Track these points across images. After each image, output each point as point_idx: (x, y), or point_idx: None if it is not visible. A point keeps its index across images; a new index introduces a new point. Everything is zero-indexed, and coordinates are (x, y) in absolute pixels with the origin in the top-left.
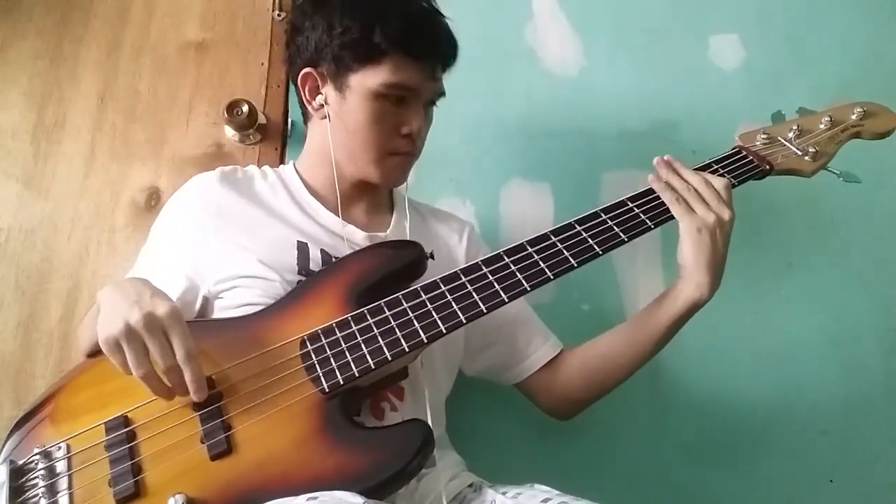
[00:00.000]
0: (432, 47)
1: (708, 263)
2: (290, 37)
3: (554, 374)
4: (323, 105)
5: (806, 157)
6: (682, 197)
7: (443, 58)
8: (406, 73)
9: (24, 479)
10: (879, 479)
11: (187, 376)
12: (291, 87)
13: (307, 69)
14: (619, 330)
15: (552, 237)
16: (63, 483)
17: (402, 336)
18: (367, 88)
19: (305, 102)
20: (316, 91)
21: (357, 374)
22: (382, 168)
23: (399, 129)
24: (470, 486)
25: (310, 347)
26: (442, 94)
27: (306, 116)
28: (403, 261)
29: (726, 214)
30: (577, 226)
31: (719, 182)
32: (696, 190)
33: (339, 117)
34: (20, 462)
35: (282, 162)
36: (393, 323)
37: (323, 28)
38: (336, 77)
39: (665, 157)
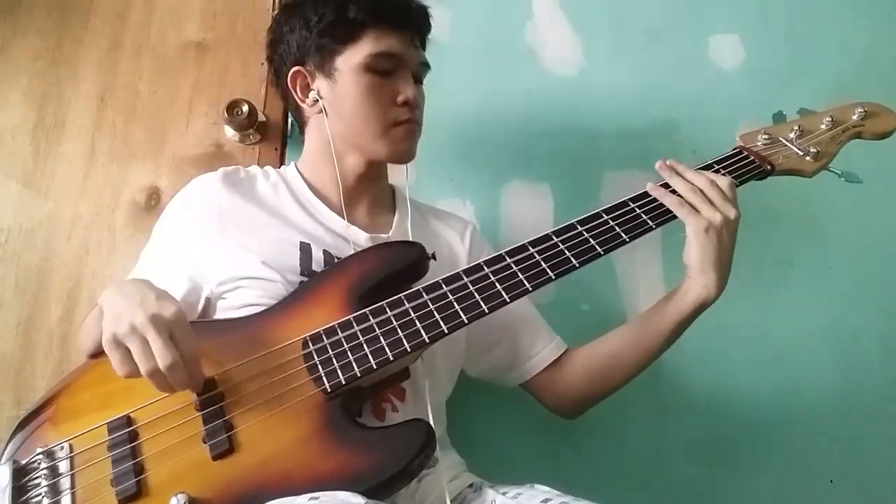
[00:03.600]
0: (406, 13)
1: (715, 263)
2: (271, 51)
3: (559, 373)
4: (317, 100)
5: (807, 158)
6: (686, 199)
7: (418, 24)
8: (387, 41)
9: (26, 479)
10: (879, 479)
11: (189, 375)
12: None
13: (295, 69)
14: (626, 330)
15: (554, 237)
16: (65, 483)
17: (405, 336)
18: (354, 65)
19: (299, 103)
20: (307, 88)
21: (359, 374)
22: (388, 141)
23: (394, 99)
24: (470, 486)
25: (312, 348)
26: (427, 65)
27: (302, 122)
28: (405, 261)
29: (732, 213)
30: (578, 226)
31: (724, 181)
32: (700, 190)
33: (334, 106)
34: (23, 462)
35: (282, 162)
36: (395, 323)
37: (300, 25)
38: (323, 65)
39: (667, 162)
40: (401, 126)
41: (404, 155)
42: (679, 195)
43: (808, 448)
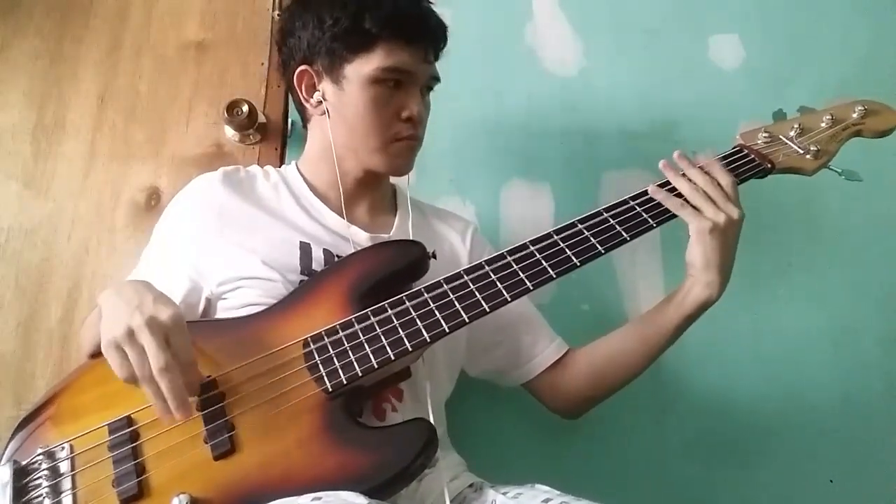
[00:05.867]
0: (422, 29)
1: (718, 263)
2: (282, 41)
3: (560, 374)
4: (321, 102)
5: (807, 156)
6: (688, 201)
7: (434, 40)
8: (399, 56)
9: (27, 480)
10: (879, 479)
11: (185, 379)
12: None
13: (302, 67)
14: (627, 330)
15: (555, 236)
16: (66, 483)
17: (405, 336)
18: (362, 76)
19: (303, 101)
20: (312, 88)
21: (360, 374)
22: (387, 155)
23: (399, 114)
24: (471, 486)
25: (313, 347)
26: (437, 78)
27: (305, 118)
28: (405, 260)
29: (735, 213)
30: (579, 224)
31: (725, 180)
32: (703, 191)
33: (338, 111)
34: (23, 462)
35: (282, 162)
36: (396, 322)
37: (314, 24)
38: (331, 70)
39: (675, 154)
40: (401, 142)
41: (400, 169)
42: (681, 196)
43: (808, 448)
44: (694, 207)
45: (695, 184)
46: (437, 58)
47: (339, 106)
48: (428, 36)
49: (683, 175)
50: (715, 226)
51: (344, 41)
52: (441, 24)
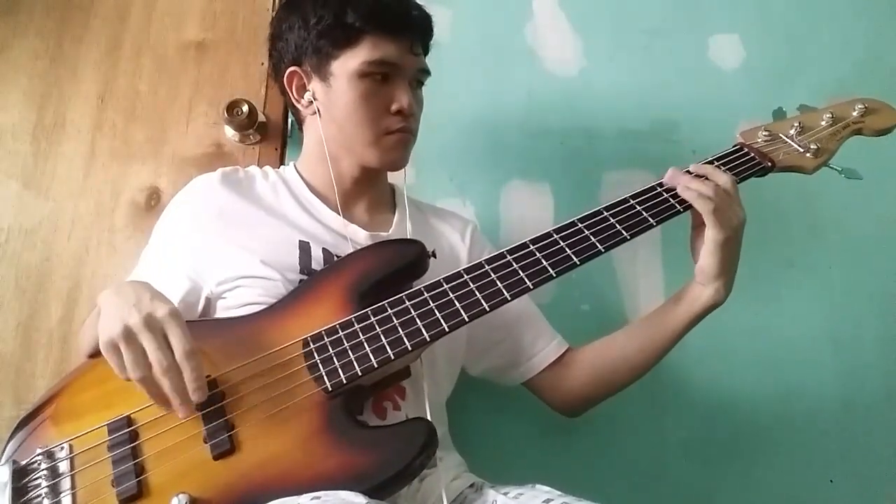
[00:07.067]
0: (405, 21)
1: (730, 269)
2: (271, 46)
3: (561, 372)
4: (311, 101)
5: (807, 154)
6: (717, 205)
7: (419, 32)
8: (384, 48)
9: (26, 480)
10: (879, 479)
11: (186, 375)
12: None
13: (292, 69)
14: (632, 331)
15: (554, 235)
16: (66, 483)
17: (405, 335)
18: (349, 71)
19: (295, 102)
20: (303, 89)
21: (360, 373)
22: (380, 149)
23: (388, 107)
24: (471, 486)
25: (312, 347)
26: (426, 72)
27: (299, 120)
28: (405, 259)
29: (742, 214)
30: (579, 223)
31: (725, 179)
32: (724, 194)
33: (328, 109)
34: (23, 462)
35: (282, 162)
36: (395, 321)
37: (299, 25)
38: (319, 68)
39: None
40: (393, 135)
41: (395, 163)
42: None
43: (808, 448)
44: (717, 212)
45: (717, 186)
46: (425, 51)
47: (329, 104)
48: (412, 27)
49: (698, 177)
50: (734, 233)
51: (329, 38)
52: (425, 15)
